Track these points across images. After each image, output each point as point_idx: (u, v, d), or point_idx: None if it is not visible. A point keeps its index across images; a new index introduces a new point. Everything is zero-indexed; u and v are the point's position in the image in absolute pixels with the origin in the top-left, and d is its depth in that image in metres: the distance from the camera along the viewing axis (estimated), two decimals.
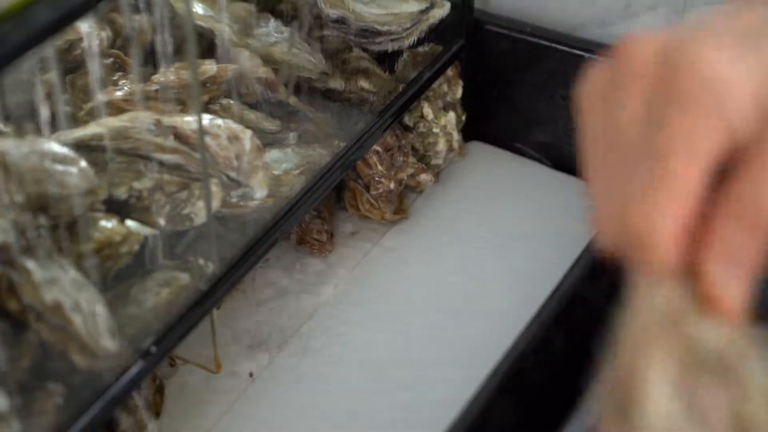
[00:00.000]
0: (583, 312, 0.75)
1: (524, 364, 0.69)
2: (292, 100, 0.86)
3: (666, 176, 0.38)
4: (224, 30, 0.82)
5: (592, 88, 0.42)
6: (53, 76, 0.70)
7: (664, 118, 0.39)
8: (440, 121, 0.98)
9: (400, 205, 0.98)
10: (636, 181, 0.39)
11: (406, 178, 0.97)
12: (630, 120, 0.40)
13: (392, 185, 0.95)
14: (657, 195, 0.38)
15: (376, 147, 0.93)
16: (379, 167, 0.94)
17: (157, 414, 0.81)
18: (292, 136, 0.86)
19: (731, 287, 0.39)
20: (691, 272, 0.39)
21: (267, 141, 0.83)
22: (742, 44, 0.39)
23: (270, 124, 0.84)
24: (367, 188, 0.95)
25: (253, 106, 0.84)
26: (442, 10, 0.93)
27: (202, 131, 0.73)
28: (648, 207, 0.39)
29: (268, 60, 0.85)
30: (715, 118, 0.38)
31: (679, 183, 0.38)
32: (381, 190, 0.95)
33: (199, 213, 0.73)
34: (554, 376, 0.71)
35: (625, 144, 0.40)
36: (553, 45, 0.98)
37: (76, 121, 0.75)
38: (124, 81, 0.78)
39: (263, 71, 0.83)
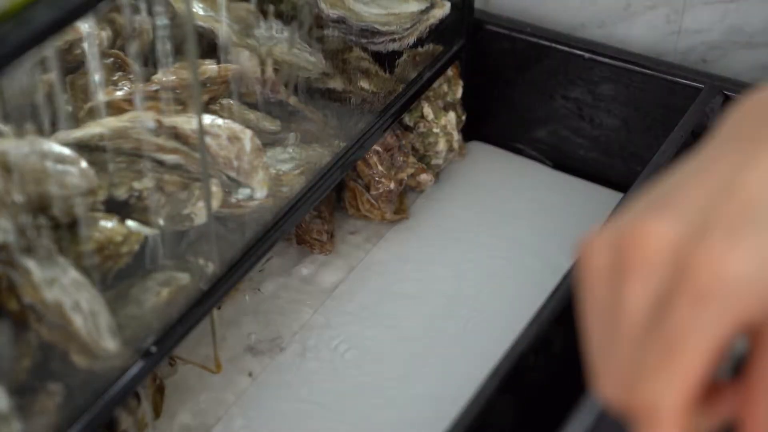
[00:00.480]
0: None
1: (524, 364, 0.69)
2: (293, 100, 0.86)
3: (675, 360, 0.42)
4: (224, 30, 0.82)
5: (596, 266, 0.46)
6: (53, 76, 0.70)
7: (676, 306, 0.42)
8: (440, 121, 0.98)
9: (400, 205, 0.98)
10: (644, 360, 0.43)
11: (406, 178, 0.97)
12: (638, 304, 0.44)
13: (392, 185, 0.95)
14: (664, 375, 0.42)
15: (377, 147, 0.93)
16: (380, 167, 0.94)
17: (157, 414, 0.81)
18: (292, 136, 0.86)
19: None
20: None
21: (267, 141, 0.83)
22: (750, 235, 0.42)
23: (270, 124, 0.84)
24: (368, 188, 0.95)
25: (253, 106, 0.84)
26: (442, 10, 0.93)
27: (202, 131, 0.73)
28: (655, 385, 0.42)
29: (268, 60, 0.85)
30: (727, 312, 0.42)
31: (687, 366, 0.42)
32: (381, 190, 0.95)
33: (199, 213, 0.73)
34: (554, 376, 0.71)
35: (632, 323, 0.44)
36: (553, 45, 0.98)
37: (76, 121, 0.75)
38: (124, 81, 0.78)
39: (263, 71, 0.83)
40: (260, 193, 0.76)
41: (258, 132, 0.79)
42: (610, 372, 0.45)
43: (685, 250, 0.43)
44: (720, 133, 0.48)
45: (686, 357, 0.42)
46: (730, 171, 0.45)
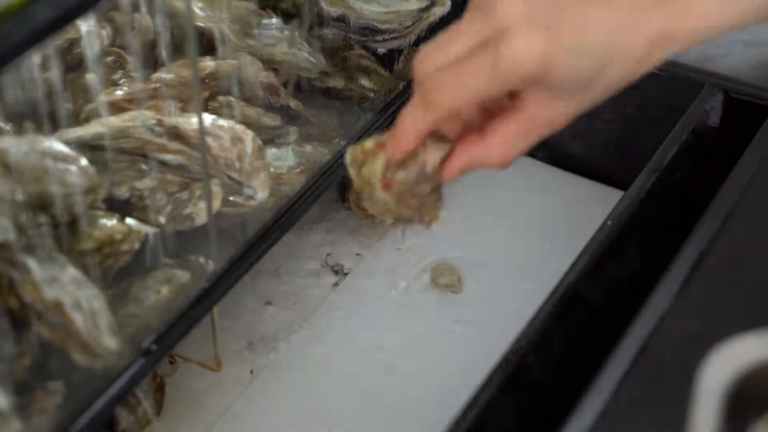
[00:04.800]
0: (583, 310, 0.75)
1: (524, 363, 0.69)
2: (293, 103, 0.86)
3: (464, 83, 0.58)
4: (224, 31, 0.82)
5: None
6: (54, 74, 0.70)
7: (480, 55, 0.57)
8: None
9: None
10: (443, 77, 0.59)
11: None
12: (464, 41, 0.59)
13: None
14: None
15: None
16: None
17: (157, 412, 0.80)
18: (292, 131, 0.86)
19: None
20: None
21: (267, 137, 0.83)
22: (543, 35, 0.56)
23: (270, 120, 0.84)
24: None
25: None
26: (442, 9, 0.93)
27: (202, 130, 0.73)
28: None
29: (268, 61, 0.85)
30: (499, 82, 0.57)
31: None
32: None
33: (199, 213, 0.73)
34: (554, 375, 0.71)
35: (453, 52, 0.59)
36: None
37: (77, 120, 0.75)
38: (124, 79, 0.78)
39: (264, 76, 0.83)
40: (261, 194, 0.76)
41: (258, 128, 0.79)
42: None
43: (513, 26, 0.56)
44: None
45: (465, 85, 0.57)
46: None
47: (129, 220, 0.72)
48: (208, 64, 0.81)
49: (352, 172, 0.62)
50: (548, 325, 0.71)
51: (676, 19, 0.57)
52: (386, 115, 0.90)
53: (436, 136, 0.61)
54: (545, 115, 0.62)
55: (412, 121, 0.60)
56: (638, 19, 0.57)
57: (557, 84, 0.58)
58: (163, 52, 0.77)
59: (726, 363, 0.53)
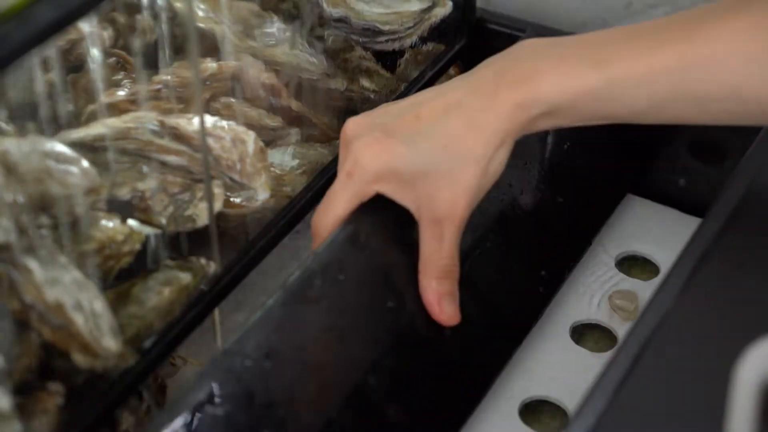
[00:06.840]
0: None
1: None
2: (295, 104, 0.86)
3: (329, 206, 0.73)
4: (225, 32, 0.83)
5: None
6: (55, 75, 0.70)
7: (340, 173, 0.72)
8: None
9: None
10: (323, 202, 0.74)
11: None
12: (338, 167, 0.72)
13: None
14: (324, 214, 0.73)
15: None
16: None
17: None
18: (294, 132, 0.86)
19: None
20: None
21: (269, 138, 0.83)
22: (391, 141, 0.68)
23: (271, 121, 0.84)
24: None
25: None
26: (444, 9, 0.93)
27: (204, 132, 0.73)
28: (320, 218, 0.73)
29: (269, 62, 0.85)
30: (359, 185, 0.70)
31: (333, 210, 0.72)
32: None
33: (201, 214, 0.73)
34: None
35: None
36: None
37: (78, 121, 0.76)
38: (126, 80, 0.78)
39: (266, 77, 0.83)
40: (263, 196, 0.76)
41: (260, 129, 0.80)
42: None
43: (354, 139, 0.69)
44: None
45: (333, 205, 0.71)
46: (423, 97, 0.69)
47: (130, 222, 0.72)
48: (209, 65, 0.81)
49: None
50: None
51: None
52: None
53: None
54: (436, 207, 0.68)
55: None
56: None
57: (407, 171, 0.67)
58: (164, 54, 0.78)
59: (762, 360, 0.53)
